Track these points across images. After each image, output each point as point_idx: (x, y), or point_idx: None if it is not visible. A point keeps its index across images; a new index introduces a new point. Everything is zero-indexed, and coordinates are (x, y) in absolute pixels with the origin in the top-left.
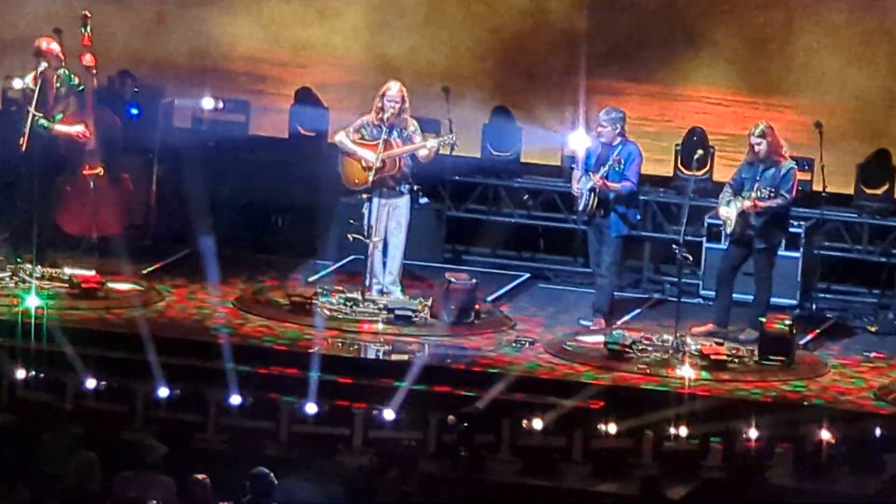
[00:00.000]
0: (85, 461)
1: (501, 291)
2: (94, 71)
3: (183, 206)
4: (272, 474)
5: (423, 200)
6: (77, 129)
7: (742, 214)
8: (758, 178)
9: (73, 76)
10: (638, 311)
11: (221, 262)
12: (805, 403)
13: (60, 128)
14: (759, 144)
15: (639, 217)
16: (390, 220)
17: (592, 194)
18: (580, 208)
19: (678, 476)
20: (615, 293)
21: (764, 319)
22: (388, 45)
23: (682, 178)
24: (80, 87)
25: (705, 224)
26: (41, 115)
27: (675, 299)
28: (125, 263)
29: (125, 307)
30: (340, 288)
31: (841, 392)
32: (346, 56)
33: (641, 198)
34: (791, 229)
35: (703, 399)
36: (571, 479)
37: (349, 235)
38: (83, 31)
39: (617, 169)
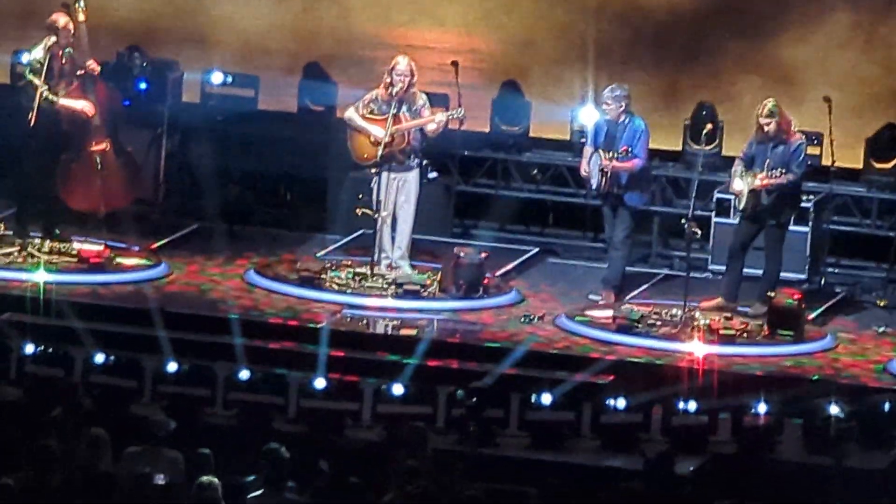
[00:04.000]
0: (95, 438)
1: (510, 266)
2: (96, 72)
3: (192, 181)
4: (284, 450)
5: (432, 175)
6: (82, 104)
7: (753, 190)
8: (768, 155)
9: (77, 60)
10: (647, 285)
11: (230, 236)
12: (814, 378)
13: (66, 102)
14: (768, 124)
15: (652, 189)
16: (399, 194)
17: (604, 174)
18: (594, 188)
19: (687, 451)
20: (625, 268)
21: (773, 294)
22: (397, 20)
23: (691, 152)
24: (79, 73)
25: (714, 199)
26: (47, 88)
27: (685, 274)
28: (134, 238)
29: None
30: (349, 262)
31: (850, 367)
32: (355, 31)
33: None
34: (800, 204)
35: (712, 374)
36: (580, 454)
37: (358, 210)
38: (79, 7)
39: (624, 155)
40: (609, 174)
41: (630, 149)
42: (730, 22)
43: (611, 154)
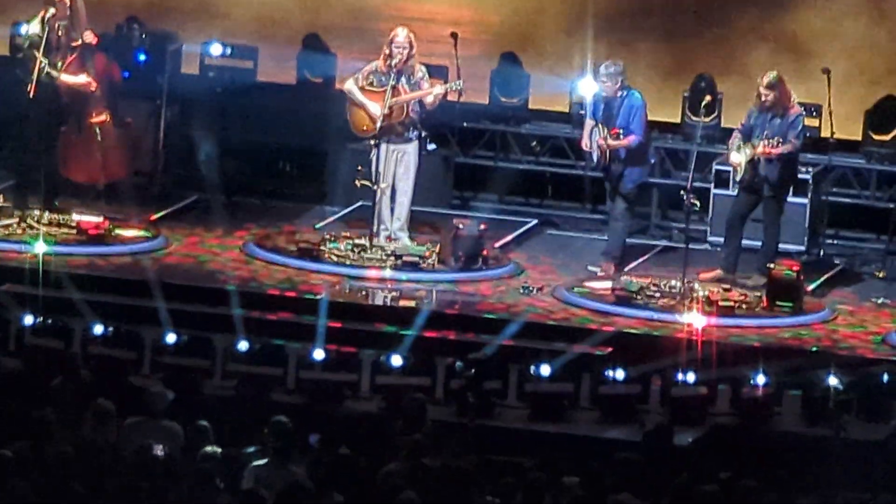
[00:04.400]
0: (101, 410)
1: (509, 238)
2: (94, 43)
3: (191, 153)
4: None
5: (431, 147)
6: (82, 79)
7: (751, 161)
8: (766, 126)
9: (73, 32)
10: (646, 257)
11: (229, 208)
12: (812, 349)
13: (66, 78)
14: (767, 95)
15: (653, 161)
16: (398, 166)
17: (602, 149)
18: (593, 162)
19: (686, 422)
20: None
21: (772, 266)
22: None
23: (690, 124)
24: (74, 45)
25: (713, 170)
26: (47, 61)
27: (683, 246)
28: (133, 210)
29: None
30: (348, 234)
31: (848, 338)
32: (354, 1)
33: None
34: (799, 175)
35: (711, 345)
36: (579, 426)
37: (357, 182)
38: None
39: (616, 137)
40: (607, 150)
41: (622, 131)
42: None
43: (605, 134)
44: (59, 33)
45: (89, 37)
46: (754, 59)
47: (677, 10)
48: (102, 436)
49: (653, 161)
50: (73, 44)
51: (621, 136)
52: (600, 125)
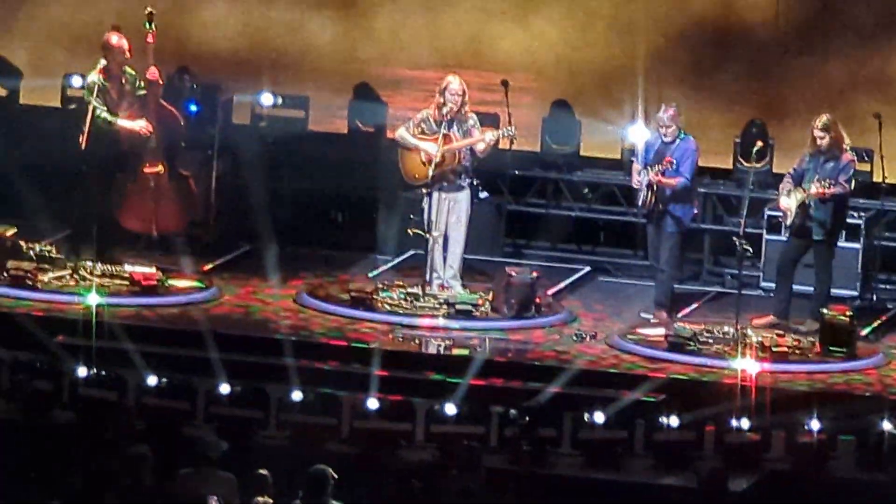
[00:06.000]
0: (137, 455)
1: (562, 285)
2: (160, 83)
3: (243, 203)
4: (330, 471)
5: (483, 194)
6: (140, 123)
7: (802, 206)
8: (818, 170)
9: (137, 78)
10: (699, 303)
11: (281, 258)
12: (867, 394)
13: (123, 122)
14: (822, 138)
15: (695, 211)
16: (450, 214)
17: (650, 190)
18: (639, 203)
19: (741, 468)
20: (675, 287)
21: (825, 310)
22: (446, 39)
23: (742, 170)
24: (141, 92)
25: (765, 216)
26: (104, 108)
27: (736, 291)
28: (185, 260)
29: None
30: (401, 283)
31: None
32: (404, 50)
33: (701, 190)
34: (851, 220)
35: (765, 390)
36: (633, 473)
37: (409, 230)
38: (147, 27)
39: (672, 169)
40: (654, 189)
41: (676, 163)
42: (785, 40)
43: (657, 168)
44: (122, 80)
45: (154, 73)
46: (806, 104)
47: (727, 58)
48: (140, 481)
49: (696, 211)
50: (139, 92)
51: (672, 170)
52: (648, 168)
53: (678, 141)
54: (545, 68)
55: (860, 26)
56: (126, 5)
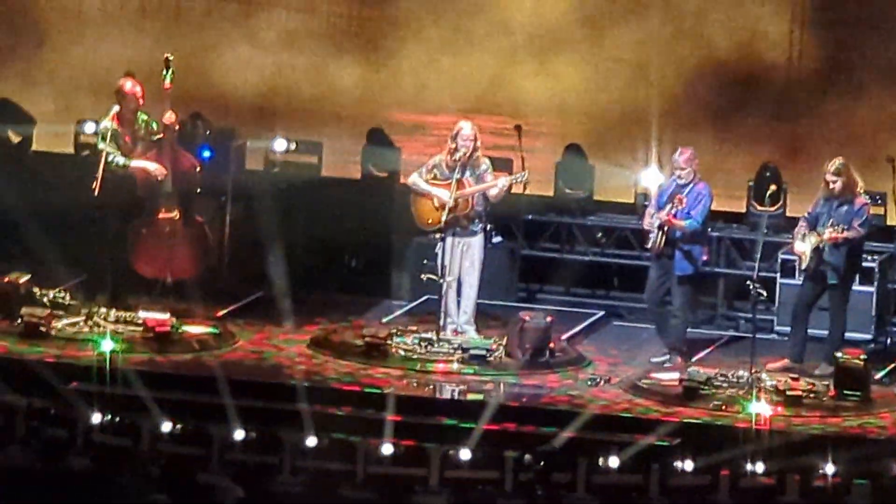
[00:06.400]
0: (154, 503)
1: (576, 329)
2: (176, 127)
3: (257, 249)
4: None
5: (497, 239)
6: (153, 165)
7: (816, 250)
8: (832, 214)
9: (152, 122)
10: (713, 347)
11: (295, 303)
12: (882, 438)
13: (137, 163)
14: (834, 182)
15: (705, 258)
16: (464, 259)
17: (661, 232)
18: (648, 245)
19: None
20: (689, 331)
21: (839, 354)
22: (457, 85)
23: (755, 214)
24: (157, 136)
25: (779, 260)
26: (117, 153)
27: (750, 335)
28: (199, 306)
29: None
30: (415, 328)
31: None
32: (422, 94)
33: (715, 234)
34: (865, 264)
35: (779, 435)
36: None
37: (423, 275)
38: (166, 75)
39: (679, 208)
40: (665, 231)
41: (687, 204)
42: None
43: (669, 209)
44: (136, 126)
45: (170, 116)
46: (819, 148)
47: (739, 103)
48: None
49: (705, 257)
50: (154, 137)
51: (683, 210)
52: (661, 210)
53: (692, 185)
54: (562, 112)
55: (884, 68)
56: (142, 51)
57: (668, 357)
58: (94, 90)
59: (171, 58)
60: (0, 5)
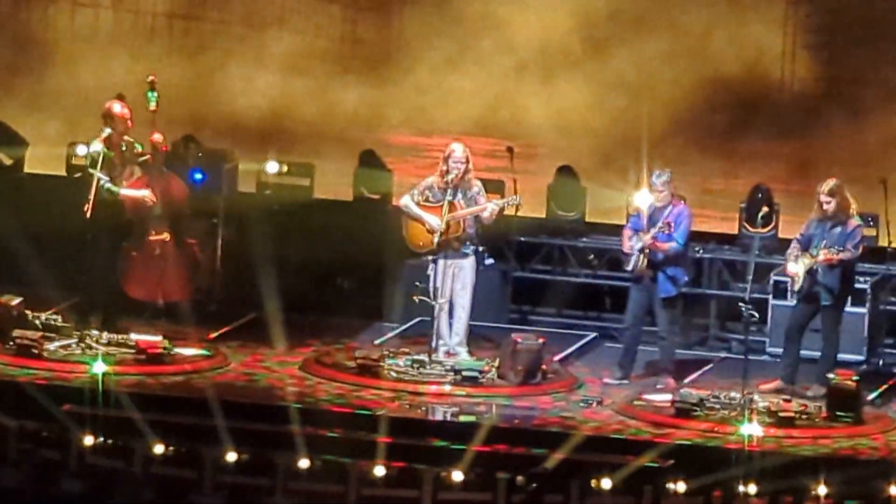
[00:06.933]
0: None
1: (568, 351)
2: (164, 148)
3: (248, 271)
4: None
5: (489, 261)
6: (144, 193)
7: (809, 271)
8: (825, 235)
9: (136, 144)
10: (705, 369)
11: (287, 325)
12: (874, 459)
13: (127, 192)
14: (828, 203)
15: (686, 279)
16: (456, 281)
17: (642, 255)
18: (630, 268)
19: None
20: (680, 352)
21: (831, 376)
22: (449, 107)
23: (747, 235)
24: (144, 158)
25: (771, 281)
26: (107, 178)
27: (742, 357)
28: (191, 328)
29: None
30: (407, 350)
31: None
32: (408, 118)
33: (707, 255)
34: (857, 285)
35: (772, 456)
36: None
37: (415, 297)
38: (151, 96)
39: (666, 231)
40: (647, 253)
41: (671, 225)
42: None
43: (652, 232)
44: (123, 148)
45: (158, 137)
46: (811, 169)
47: (731, 125)
48: None
49: (686, 279)
50: (141, 158)
51: (665, 234)
52: (640, 233)
53: (671, 207)
54: (564, 132)
55: (891, 87)
56: (145, 74)
57: (621, 380)
58: (99, 113)
59: (154, 80)
60: (8, 27)
